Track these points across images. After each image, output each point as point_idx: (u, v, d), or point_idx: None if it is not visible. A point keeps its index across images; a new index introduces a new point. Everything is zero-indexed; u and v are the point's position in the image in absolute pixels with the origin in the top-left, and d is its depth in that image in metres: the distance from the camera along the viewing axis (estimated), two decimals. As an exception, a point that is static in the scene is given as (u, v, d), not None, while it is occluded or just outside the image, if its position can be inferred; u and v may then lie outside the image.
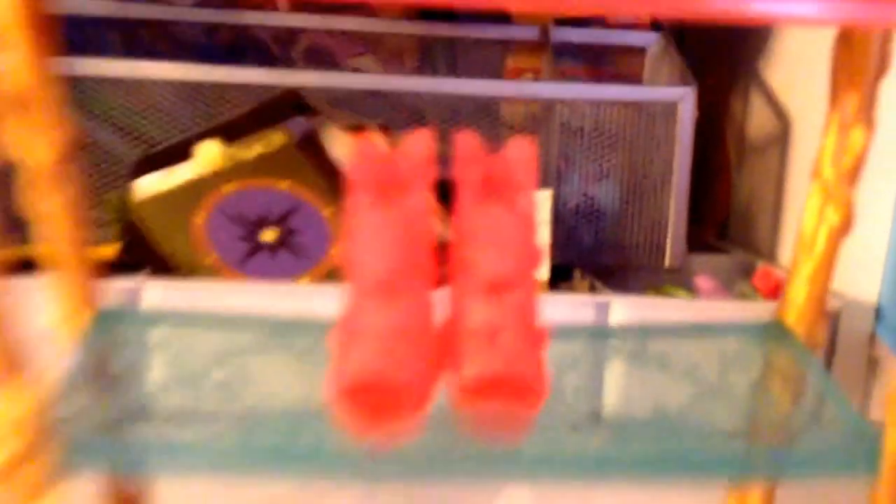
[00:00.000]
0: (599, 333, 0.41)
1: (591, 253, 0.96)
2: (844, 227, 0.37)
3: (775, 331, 0.38)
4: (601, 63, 1.07)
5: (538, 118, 0.98)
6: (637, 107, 0.95)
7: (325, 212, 0.77)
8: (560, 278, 0.95)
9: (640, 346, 0.38)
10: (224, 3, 0.98)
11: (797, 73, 1.01)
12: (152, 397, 0.34)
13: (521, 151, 0.30)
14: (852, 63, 0.35)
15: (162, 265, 0.81)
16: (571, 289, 0.93)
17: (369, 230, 0.28)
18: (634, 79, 1.07)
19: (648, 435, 0.32)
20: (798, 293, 0.38)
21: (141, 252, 0.81)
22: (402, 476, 0.30)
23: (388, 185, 0.29)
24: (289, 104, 0.80)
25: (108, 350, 0.36)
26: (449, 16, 0.99)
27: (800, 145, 1.01)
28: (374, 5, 1.02)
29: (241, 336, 0.37)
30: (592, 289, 0.92)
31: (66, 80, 0.87)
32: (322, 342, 0.35)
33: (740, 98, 1.13)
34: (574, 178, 0.98)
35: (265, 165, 0.75)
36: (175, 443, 0.29)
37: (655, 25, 1.06)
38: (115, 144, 0.93)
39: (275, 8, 1.02)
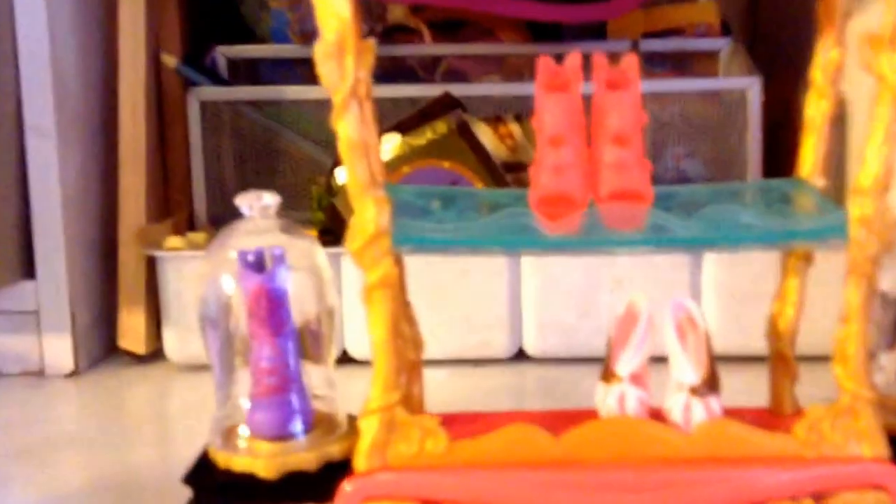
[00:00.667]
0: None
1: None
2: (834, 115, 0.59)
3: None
4: (682, 67, 1.30)
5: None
6: (713, 96, 1.19)
7: (478, 184, 1.03)
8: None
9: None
10: (382, 41, 1.27)
11: (850, 65, 1.22)
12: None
13: (631, 62, 0.54)
14: (827, 6, 0.57)
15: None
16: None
17: (547, 106, 0.53)
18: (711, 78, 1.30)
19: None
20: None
21: (340, 228, 1.08)
22: (572, 245, 0.54)
23: (557, 81, 0.54)
24: (445, 104, 1.07)
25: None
26: (558, 35, 1.25)
27: (856, 127, 1.22)
28: (496, 32, 1.29)
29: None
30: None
31: (272, 104, 1.16)
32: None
33: (805, 93, 1.34)
34: (667, 156, 1.22)
35: (433, 149, 1.01)
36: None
37: (727, 32, 1.29)
38: (314, 152, 1.23)
39: (422, 41, 1.30)
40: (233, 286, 0.56)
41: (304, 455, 0.54)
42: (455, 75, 1.30)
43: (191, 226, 1.26)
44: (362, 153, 0.52)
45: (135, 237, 1.17)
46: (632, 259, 1.07)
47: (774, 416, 0.59)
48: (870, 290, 0.51)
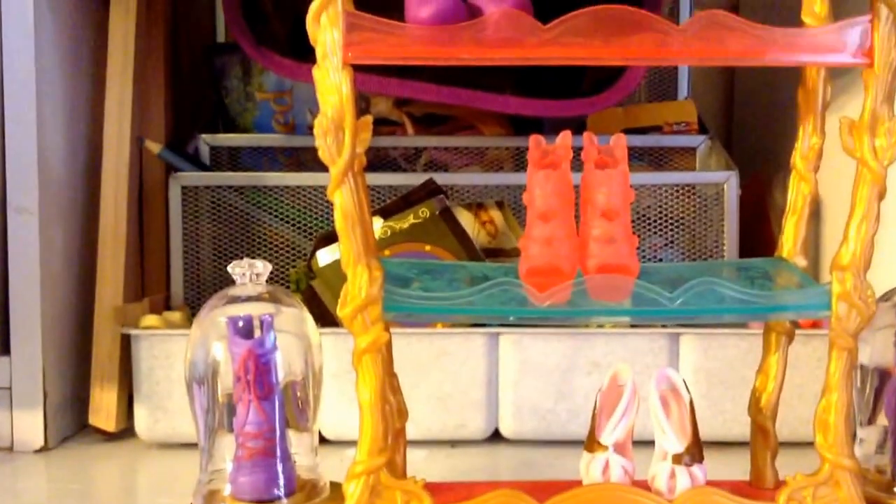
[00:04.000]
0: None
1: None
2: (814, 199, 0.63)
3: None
4: (660, 162, 1.35)
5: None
6: (690, 189, 1.23)
7: (458, 267, 1.05)
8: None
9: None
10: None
11: (825, 160, 1.28)
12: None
13: (618, 142, 0.57)
14: (807, 98, 0.61)
15: (333, 320, 1.09)
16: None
17: (538, 182, 0.56)
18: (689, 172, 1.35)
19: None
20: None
21: (319, 311, 1.09)
22: (560, 314, 0.56)
23: (548, 158, 0.56)
24: (429, 190, 1.10)
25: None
26: (539, 130, 1.29)
27: (830, 220, 1.27)
28: (478, 126, 1.33)
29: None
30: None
31: (252, 189, 1.19)
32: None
33: (780, 186, 1.40)
34: (645, 247, 1.26)
35: (415, 233, 1.03)
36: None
37: (703, 129, 1.35)
38: (293, 236, 1.25)
39: (403, 133, 1.34)
40: (221, 351, 0.57)
41: (287, 519, 0.54)
42: (436, 167, 1.34)
43: (167, 306, 1.26)
44: (356, 223, 0.54)
45: (111, 315, 1.18)
46: (609, 342, 1.09)
47: (755, 488, 0.60)
48: (851, 362, 0.53)
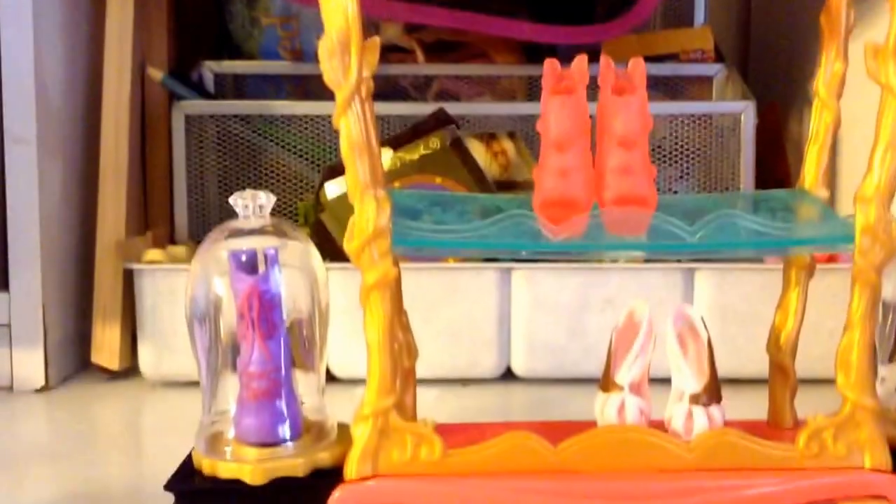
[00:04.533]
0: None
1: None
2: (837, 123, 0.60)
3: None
4: (676, 91, 1.32)
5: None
6: (706, 120, 1.20)
7: (469, 199, 1.03)
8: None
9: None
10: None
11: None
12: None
13: (637, 66, 0.55)
14: (830, 22, 0.58)
15: (342, 254, 1.07)
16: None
17: (553, 109, 0.53)
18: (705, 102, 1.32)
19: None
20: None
21: (327, 244, 1.07)
22: (575, 248, 0.54)
23: (563, 84, 0.54)
24: (439, 120, 1.07)
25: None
26: (552, 57, 1.26)
27: (848, 147, 1.24)
28: (490, 54, 1.30)
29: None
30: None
31: (259, 119, 1.17)
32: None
33: (797, 115, 1.37)
34: (659, 179, 1.23)
35: (425, 164, 1.01)
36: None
37: (720, 57, 1.31)
38: (301, 168, 1.23)
39: (413, 60, 1.31)
40: (223, 287, 0.56)
41: (292, 461, 0.53)
42: (447, 96, 1.31)
43: (171, 240, 1.25)
44: (364, 152, 0.52)
45: (113, 250, 1.17)
46: (623, 278, 1.08)
47: (773, 429, 0.59)
48: (874, 298, 0.52)
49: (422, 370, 1.09)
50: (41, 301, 1.10)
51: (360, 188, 0.52)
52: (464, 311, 1.10)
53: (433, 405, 0.85)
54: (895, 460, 0.53)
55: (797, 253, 0.57)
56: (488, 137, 1.13)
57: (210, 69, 1.35)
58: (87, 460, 0.87)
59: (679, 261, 1.12)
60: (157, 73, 1.27)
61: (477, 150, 1.10)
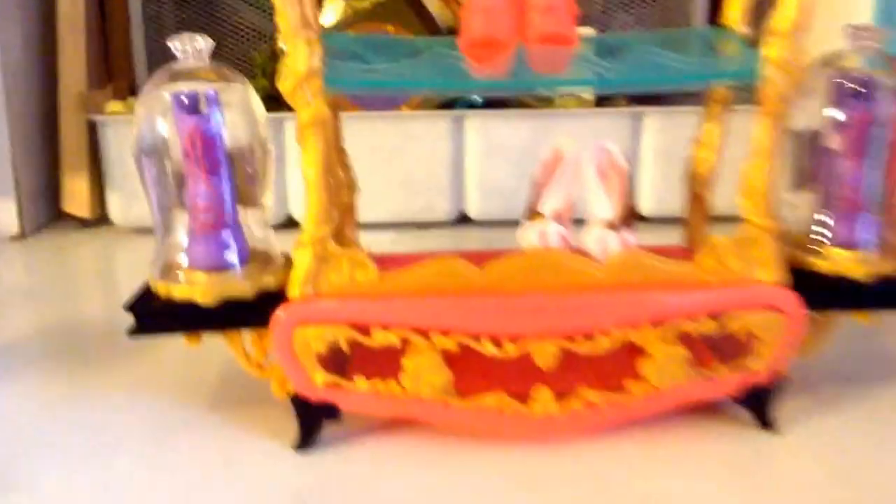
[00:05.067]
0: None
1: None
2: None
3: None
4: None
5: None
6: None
7: (421, 48, 1.05)
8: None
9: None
10: None
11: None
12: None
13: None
14: None
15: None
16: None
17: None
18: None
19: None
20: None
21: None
22: (498, 86, 0.58)
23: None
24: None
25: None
26: None
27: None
28: None
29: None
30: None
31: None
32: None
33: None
34: (615, 25, 1.25)
35: (377, 13, 1.02)
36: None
37: None
38: (256, 20, 1.24)
39: None
40: (167, 127, 0.59)
41: (240, 284, 0.58)
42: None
43: (132, 92, 1.27)
44: (293, -3, 0.54)
45: (76, 103, 1.19)
46: (573, 122, 1.11)
47: (686, 252, 0.64)
48: (779, 127, 0.55)
49: (379, 214, 1.14)
50: (10, 154, 1.14)
51: (291, 31, 0.54)
52: (419, 158, 1.14)
53: (390, 247, 0.90)
54: (800, 281, 0.58)
55: (710, 86, 0.60)
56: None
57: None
58: (62, 299, 0.93)
59: (628, 104, 1.15)
60: (108, -77, 1.25)
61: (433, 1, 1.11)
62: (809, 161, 0.61)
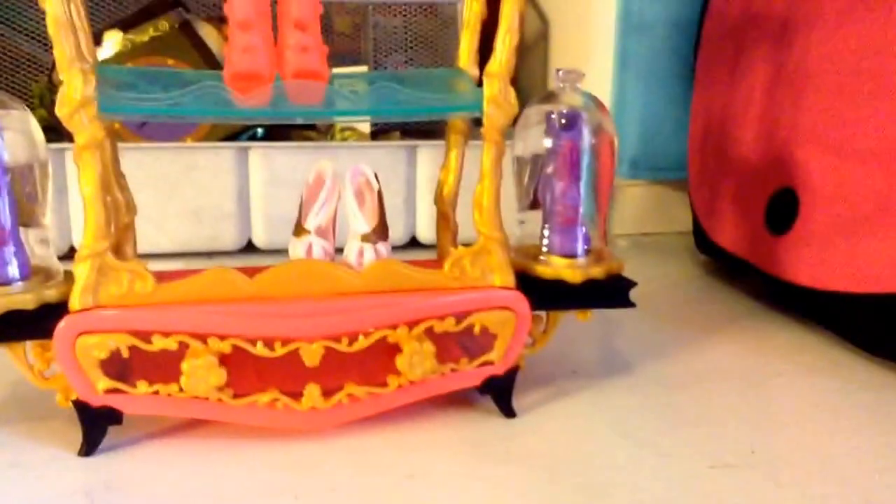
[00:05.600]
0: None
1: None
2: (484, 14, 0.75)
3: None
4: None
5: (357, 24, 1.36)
6: (430, 9, 1.35)
7: (202, 81, 1.12)
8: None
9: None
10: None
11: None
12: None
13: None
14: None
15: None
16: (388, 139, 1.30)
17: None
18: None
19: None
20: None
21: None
22: (262, 115, 0.66)
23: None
24: (167, 2, 1.14)
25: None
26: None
27: (558, 43, 1.42)
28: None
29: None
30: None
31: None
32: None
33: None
34: (389, 63, 1.37)
35: (156, 46, 1.09)
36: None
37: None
38: (33, 50, 1.26)
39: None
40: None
41: (21, 296, 0.63)
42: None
43: None
44: (68, 30, 0.61)
45: None
46: (352, 154, 1.22)
47: (437, 262, 0.75)
48: (498, 153, 0.67)
49: (167, 244, 1.19)
50: None
51: (66, 62, 0.61)
52: (204, 188, 1.20)
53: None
54: (528, 286, 0.70)
55: (442, 118, 0.72)
56: (220, 21, 1.22)
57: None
58: None
59: (403, 137, 1.27)
60: None
61: (209, 33, 1.18)
62: (533, 183, 0.74)
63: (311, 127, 1.29)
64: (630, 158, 1.27)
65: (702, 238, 1.19)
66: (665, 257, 1.33)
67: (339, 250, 0.71)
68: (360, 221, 0.69)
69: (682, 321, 1.01)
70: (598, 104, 0.72)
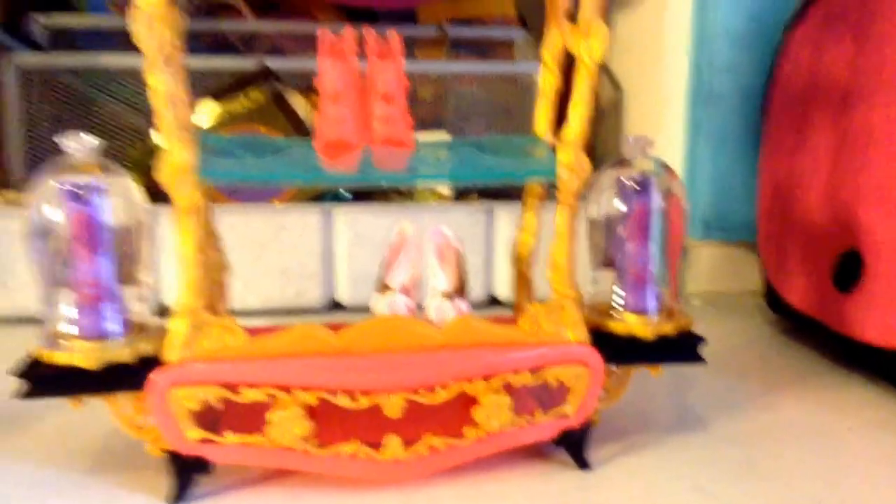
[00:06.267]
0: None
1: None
2: (559, 84, 0.78)
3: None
4: (484, 53, 1.51)
5: (439, 93, 1.41)
6: (509, 79, 1.39)
7: (290, 147, 1.18)
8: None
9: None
10: (203, 15, 1.40)
11: (628, 53, 1.46)
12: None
13: (393, 37, 0.71)
14: (552, 4, 0.76)
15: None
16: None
17: (325, 70, 0.69)
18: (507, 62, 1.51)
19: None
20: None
21: (158, 188, 1.20)
22: (351, 180, 0.71)
23: (336, 49, 0.70)
24: (261, 74, 1.21)
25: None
26: (372, 17, 1.41)
27: (632, 111, 1.45)
28: (313, 13, 1.44)
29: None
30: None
31: (89, 71, 1.28)
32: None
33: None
34: (468, 130, 1.42)
35: (250, 115, 1.15)
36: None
37: (524, 23, 1.51)
38: (131, 118, 1.35)
39: (241, 17, 1.44)
40: (56, 212, 0.69)
41: (120, 350, 0.67)
42: (274, 51, 1.44)
43: (5, 185, 1.35)
44: (170, 102, 0.66)
45: (-48, 196, 1.26)
46: (432, 216, 1.26)
47: (513, 318, 0.77)
48: (572, 215, 0.70)
49: (255, 302, 1.25)
50: None
51: (169, 131, 0.66)
52: (291, 248, 1.26)
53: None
54: (601, 341, 0.72)
55: (521, 182, 0.75)
56: (308, 90, 1.29)
57: (39, 22, 1.44)
58: None
59: (480, 199, 1.31)
60: (-12, 26, 1.35)
61: (299, 102, 1.25)
62: (606, 244, 0.76)
63: (395, 190, 1.34)
64: (702, 219, 1.29)
65: (772, 297, 1.21)
66: (737, 315, 1.33)
67: (420, 307, 0.74)
68: (440, 279, 0.72)
69: (753, 377, 1.01)
70: (668, 169, 0.74)
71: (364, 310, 1.27)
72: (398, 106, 0.71)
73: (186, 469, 0.69)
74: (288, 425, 0.68)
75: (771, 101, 1.19)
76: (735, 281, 1.42)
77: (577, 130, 0.69)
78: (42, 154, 1.37)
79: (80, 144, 0.69)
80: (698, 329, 0.75)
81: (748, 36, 1.25)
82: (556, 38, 0.75)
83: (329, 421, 0.70)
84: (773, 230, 1.18)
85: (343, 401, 0.68)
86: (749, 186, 1.27)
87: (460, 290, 0.73)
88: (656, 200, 0.73)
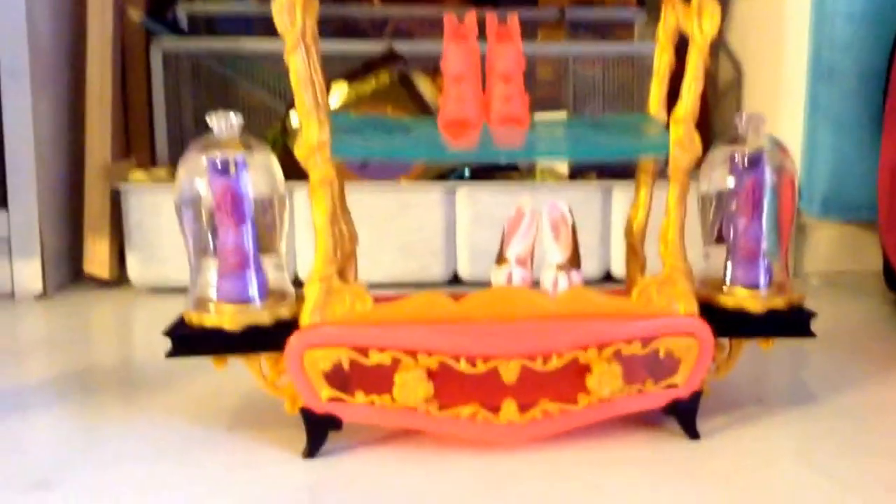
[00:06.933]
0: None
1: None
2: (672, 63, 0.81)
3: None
4: (603, 34, 1.54)
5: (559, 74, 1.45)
6: (628, 60, 1.41)
7: (414, 127, 1.24)
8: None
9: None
10: (334, 1, 1.47)
11: (748, 32, 1.45)
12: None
13: (513, 20, 0.75)
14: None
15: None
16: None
17: (449, 53, 0.74)
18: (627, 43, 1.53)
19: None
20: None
21: (292, 166, 1.28)
22: (471, 157, 0.75)
23: (459, 33, 0.75)
24: (388, 57, 1.27)
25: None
26: (494, 2, 1.46)
27: (752, 89, 1.45)
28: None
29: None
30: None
31: (230, 55, 1.37)
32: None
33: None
34: (588, 111, 1.45)
35: (378, 97, 1.22)
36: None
37: (641, 3, 1.53)
38: (268, 100, 1.44)
39: (370, 2, 1.51)
40: (203, 185, 0.76)
41: (260, 314, 0.74)
42: (401, 35, 1.51)
43: (152, 163, 1.46)
44: (308, 84, 0.72)
45: (102, 172, 1.37)
46: (551, 194, 1.29)
47: (625, 291, 0.81)
48: (682, 191, 0.73)
49: (379, 275, 1.31)
50: (37, 217, 1.30)
51: (306, 111, 0.72)
52: (415, 225, 1.32)
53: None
54: (709, 314, 0.75)
55: (632, 158, 0.78)
56: (434, 72, 1.34)
57: (184, 10, 1.54)
58: (82, 351, 1.06)
59: (598, 178, 1.34)
60: (136, 14, 1.46)
61: (424, 83, 1.30)
62: (718, 219, 0.79)
63: (514, 168, 1.38)
64: (821, 199, 1.28)
65: (891, 277, 1.21)
66: (855, 295, 1.33)
67: (536, 281, 0.78)
68: (555, 252, 0.76)
69: (867, 355, 1.02)
70: (780, 146, 0.76)
71: (484, 284, 1.31)
72: (516, 85, 0.75)
73: (320, 426, 0.75)
74: (411, 387, 0.73)
75: (892, 80, 1.18)
76: (854, 261, 1.41)
77: (689, 108, 0.72)
78: (184, 135, 1.47)
79: (225, 123, 0.76)
80: (814, 307, 0.76)
81: (869, 14, 1.24)
82: (670, 17, 0.78)
83: (449, 384, 0.75)
84: (894, 210, 1.17)
85: (463, 365, 0.73)
86: (869, 166, 1.25)
87: (574, 263, 0.77)
88: (768, 176, 0.75)
